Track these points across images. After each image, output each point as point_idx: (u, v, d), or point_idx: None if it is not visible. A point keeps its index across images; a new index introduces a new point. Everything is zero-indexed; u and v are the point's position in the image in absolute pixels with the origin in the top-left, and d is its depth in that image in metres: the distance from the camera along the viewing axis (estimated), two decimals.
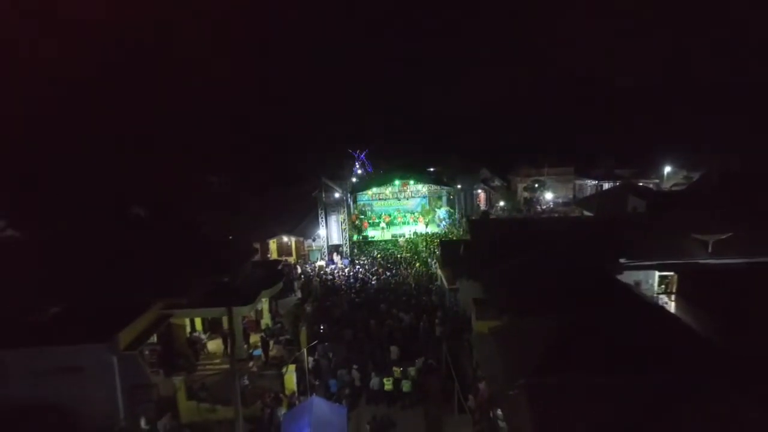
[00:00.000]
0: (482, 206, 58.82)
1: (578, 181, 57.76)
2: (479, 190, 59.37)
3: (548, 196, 54.66)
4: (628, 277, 24.33)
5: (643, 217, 28.53)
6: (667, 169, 53.95)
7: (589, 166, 58.88)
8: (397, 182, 45.61)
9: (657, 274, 24.52)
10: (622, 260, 24.48)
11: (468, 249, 27.15)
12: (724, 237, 24.00)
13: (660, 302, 23.11)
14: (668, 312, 18.21)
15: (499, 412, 15.93)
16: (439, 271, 28.98)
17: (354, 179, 67.09)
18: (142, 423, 16.58)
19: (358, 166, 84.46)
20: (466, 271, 25.29)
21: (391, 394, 19.49)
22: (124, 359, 17.27)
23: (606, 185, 53.08)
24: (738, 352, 15.99)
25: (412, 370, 20.13)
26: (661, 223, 26.24)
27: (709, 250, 24.38)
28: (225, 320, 23.39)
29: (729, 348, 16.50)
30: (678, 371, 12.42)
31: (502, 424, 15.80)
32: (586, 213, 40.62)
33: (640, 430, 11.51)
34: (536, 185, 55.70)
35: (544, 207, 53.76)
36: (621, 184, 43.18)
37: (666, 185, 53.72)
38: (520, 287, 21.31)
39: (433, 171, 60.54)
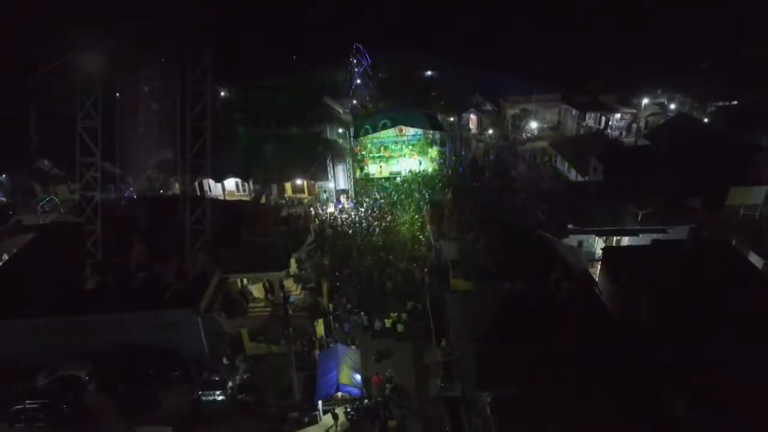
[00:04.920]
0: (474, 130, 63.69)
1: (564, 106, 61.81)
2: (471, 115, 63.74)
3: (533, 124, 59.43)
4: (573, 239, 31.49)
5: (596, 185, 34.61)
6: (645, 100, 58.11)
7: (576, 90, 62.36)
8: (393, 131, 50.81)
9: (597, 237, 31.56)
10: (569, 226, 31.29)
11: (450, 212, 33.76)
12: (649, 211, 30.62)
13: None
14: (584, 286, 25.56)
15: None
16: (428, 225, 35.87)
17: (354, 101, 70.44)
18: (224, 360, 24.87)
19: (358, 74, 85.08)
20: (446, 233, 32.35)
21: (389, 332, 27.84)
22: (205, 318, 25.06)
23: (588, 115, 57.62)
24: (628, 317, 23.85)
25: (404, 316, 28.23)
26: (607, 193, 32.69)
27: (639, 219, 31.18)
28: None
29: (624, 312, 24.34)
30: (554, 342, 20.20)
31: None
32: (561, 156, 46.58)
33: (532, 381, 19.61)
34: (524, 113, 60.26)
35: (528, 135, 59.01)
36: (588, 135, 47.77)
37: (642, 115, 58.42)
38: (482, 256, 28.66)
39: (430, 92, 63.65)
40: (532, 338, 21.46)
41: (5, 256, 32.51)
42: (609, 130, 58.29)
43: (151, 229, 38.76)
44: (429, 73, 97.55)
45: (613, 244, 31.28)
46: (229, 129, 57.81)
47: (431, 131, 51.22)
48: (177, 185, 43.24)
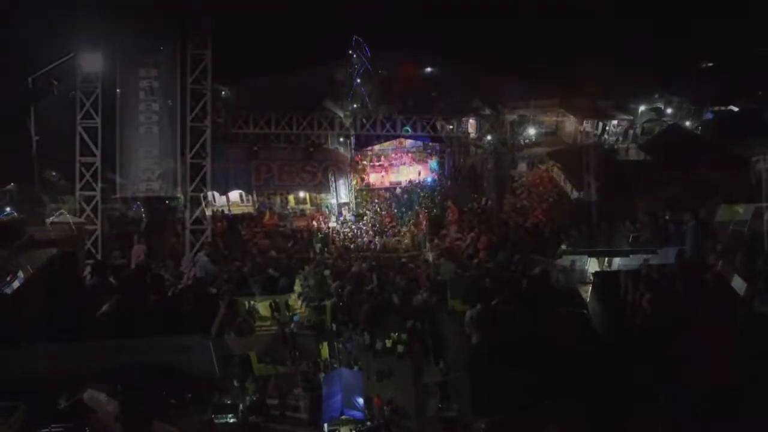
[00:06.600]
0: (473, 134, 64.58)
1: (561, 111, 62.78)
2: (471, 119, 64.55)
3: (531, 130, 60.52)
4: (566, 259, 32.75)
5: (590, 205, 35.85)
6: (642, 107, 59.10)
7: (574, 94, 63.07)
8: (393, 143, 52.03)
9: (589, 258, 32.78)
10: (562, 247, 32.55)
11: (454, 214, 34.95)
12: (640, 233, 31.88)
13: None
14: (575, 310, 26.88)
15: None
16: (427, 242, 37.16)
17: (355, 105, 70.93)
18: (235, 383, 26.31)
19: (358, 73, 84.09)
20: (444, 252, 33.67)
21: (390, 351, 29.27)
22: (216, 342, 26.45)
23: (585, 122, 58.69)
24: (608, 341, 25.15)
25: (404, 336, 29.62)
26: (601, 214, 33.93)
27: (629, 241, 32.45)
28: None
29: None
30: (547, 367, 21.44)
31: None
32: (557, 166, 47.73)
33: (525, 407, 20.92)
34: (522, 118, 61.30)
35: (526, 141, 60.12)
36: (585, 147, 48.76)
37: (639, 121, 59.44)
38: (473, 279, 30.00)
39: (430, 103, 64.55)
40: (526, 363, 22.77)
41: (21, 274, 33.69)
42: (606, 136, 59.44)
43: (152, 229, 40.29)
44: (429, 70, 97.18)
45: (605, 264, 32.57)
46: (229, 134, 58.36)
47: (430, 142, 52.30)
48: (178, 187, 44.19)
